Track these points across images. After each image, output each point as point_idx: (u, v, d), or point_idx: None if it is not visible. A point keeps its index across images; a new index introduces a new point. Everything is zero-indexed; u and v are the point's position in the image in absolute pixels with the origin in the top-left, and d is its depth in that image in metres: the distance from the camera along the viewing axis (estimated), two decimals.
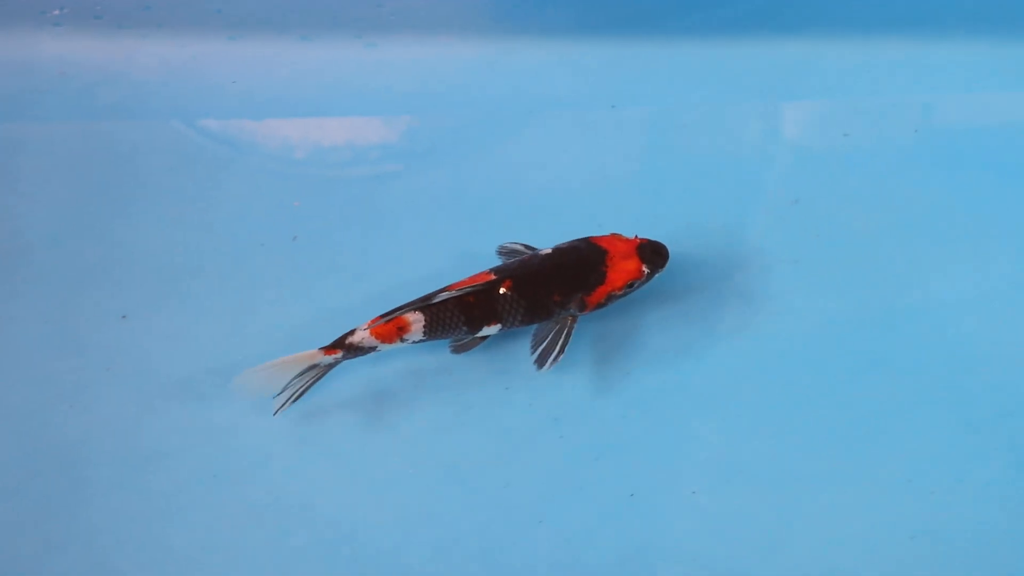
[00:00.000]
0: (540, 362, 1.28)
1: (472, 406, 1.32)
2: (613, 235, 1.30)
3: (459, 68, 1.53)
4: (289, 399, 1.27)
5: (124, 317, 1.37)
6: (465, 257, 1.40)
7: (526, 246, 1.35)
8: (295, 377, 1.26)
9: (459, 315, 1.27)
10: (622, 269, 1.27)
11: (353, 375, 1.34)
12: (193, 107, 1.54)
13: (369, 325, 1.27)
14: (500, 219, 1.44)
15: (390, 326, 1.26)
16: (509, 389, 1.33)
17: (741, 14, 1.52)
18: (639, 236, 1.31)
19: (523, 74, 1.52)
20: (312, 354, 1.25)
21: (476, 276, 1.29)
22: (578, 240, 1.31)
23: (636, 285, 1.29)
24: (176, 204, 1.46)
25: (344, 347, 1.27)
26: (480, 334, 1.30)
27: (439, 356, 1.35)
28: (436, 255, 1.42)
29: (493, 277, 1.27)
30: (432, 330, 1.27)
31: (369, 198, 1.46)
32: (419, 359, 1.34)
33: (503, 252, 1.36)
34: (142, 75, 1.56)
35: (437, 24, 1.53)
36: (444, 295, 1.25)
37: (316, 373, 1.28)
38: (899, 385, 1.32)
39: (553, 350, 1.28)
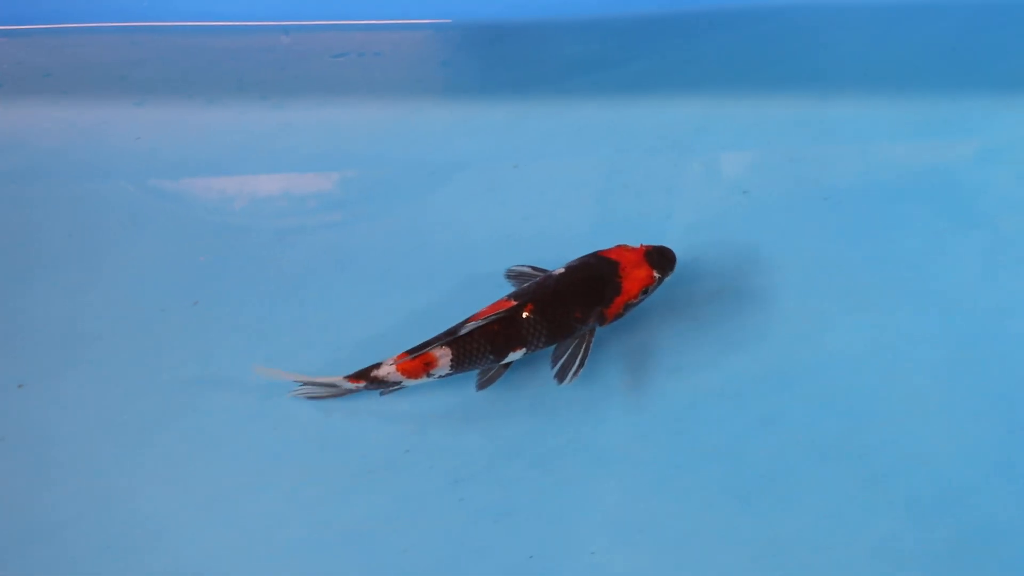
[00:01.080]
0: (560, 377, 1.32)
1: (372, 469, 1.32)
2: (620, 246, 1.34)
3: (364, 129, 1.55)
4: (304, 392, 1.34)
5: (21, 386, 1.36)
6: (368, 317, 1.41)
7: (533, 268, 1.38)
8: (318, 390, 1.33)
9: (485, 344, 1.29)
10: (635, 278, 1.32)
11: (254, 439, 1.36)
12: (96, 172, 1.55)
13: (396, 360, 1.29)
14: (404, 278, 1.46)
15: (417, 362, 1.29)
16: (409, 452, 1.33)
17: (639, 73, 1.54)
18: (643, 244, 1.34)
19: (427, 135, 1.54)
20: (336, 380, 1.32)
21: (495, 304, 1.31)
22: (588, 256, 1.34)
23: (650, 291, 1.34)
24: (76, 270, 1.47)
25: (368, 379, 1.31)
26: (505, 361, 1.32)
27: (340, 421, 1.35)
28: (339, 315, 1.42)
29: (513, 303, 1.29)
30: (459, 363, 1.30)
31: (272, 258, 1.47)
32: (322, 424, 1.33)
33: (512, 276, 1.39)
34: (44, 141, 1.57)
35: (341, 86, 1.55)
36: (470, 326, 1.27)
37: (337, 392, 1.33)
38: (796, 441, 1.33)
39: (573, 364, 1.32)
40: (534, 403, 1.37)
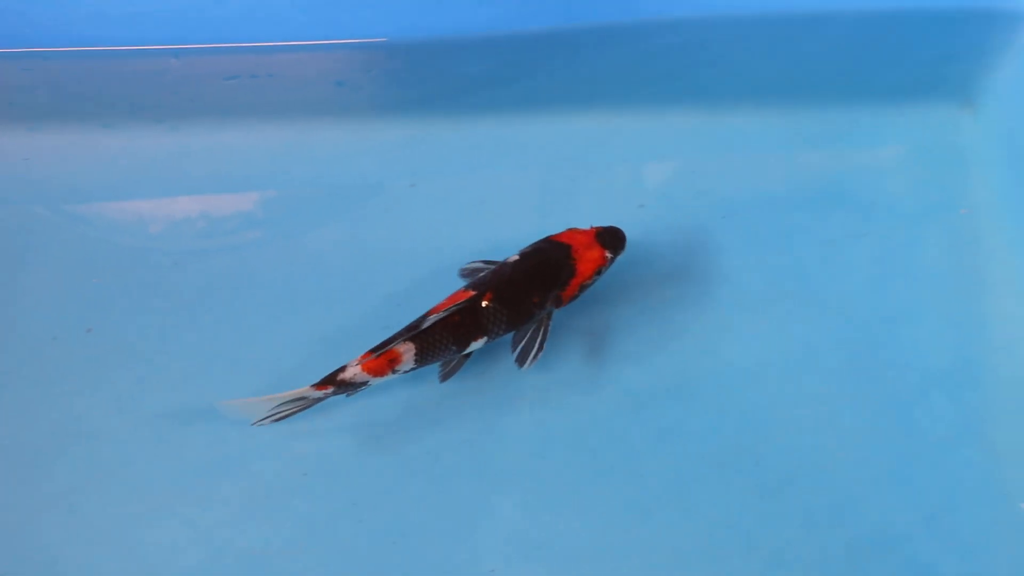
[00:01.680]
0: (521, 361, 1.35)
1: (270, 493, 1.32)
2: (570, 229, 1.37)
3: (260, 151, 1.54)
4: (271, 417, 1.32)
5: None
6: (267, 341, 1.42)
7: (485, 262, 1.40)
8: (282, 404, 1.31)
9: (447, 336, 1.31)
10: (588, 259, 1.35)
11: (151, 466, 1.37)
12: None
13: (360, 360, 1.30)
14: (303, 301, 1.46)
15: (381, 360, 1.30)
16: (307, 475, 1.33)
17: (534, 90, 1.56)
18: (593, 225, 1.37)
19: (323, 155, 1.54)
20: (303, 391, 1.30)
21: (453, 296, 1.33)
22: (540, 242, 1.37)
23: (603, 271, 1.36)
24: None
25: (335, 383, 1.31)
26: (467, 351, 1.34)
27: (237, 446, 1.36)
28: (237, 339, 1.42)
29: (472, 293, 1.31)
30: (423, 357, 1.32)
31: (168, 283, 1.46)
32: (220, 449, 1.33)
33: (466, 273, 1.40)
34: None
35: (235, 108, 1.55)
36: (431, 319, 1.28)
37: (304, 404, 1.32)
38: (695, 452, 1.36)
39: (532, 348, 1.34)
40: (432, 422, 1.38)
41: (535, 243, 1.38)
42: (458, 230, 1.50)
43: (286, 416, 1.32)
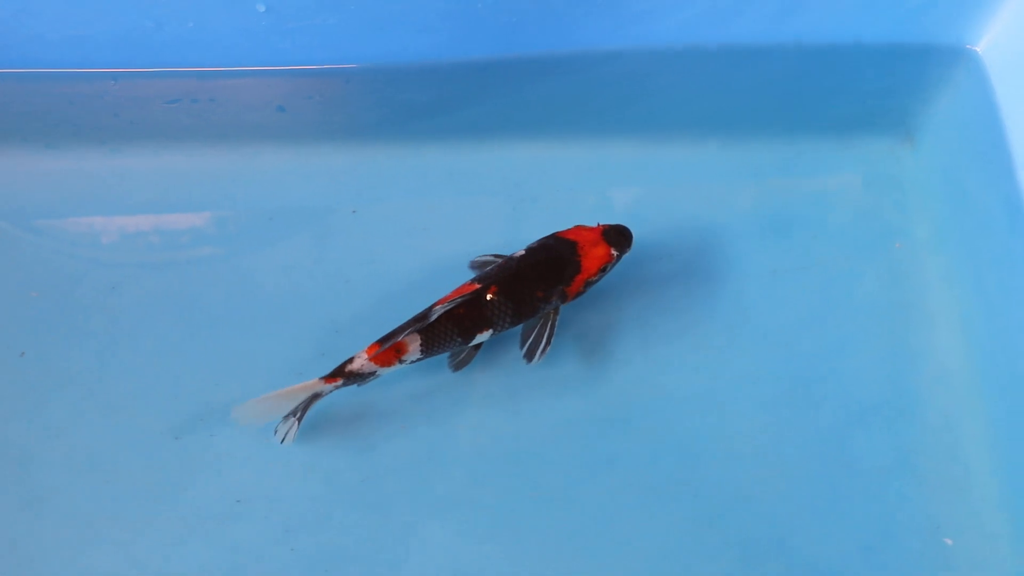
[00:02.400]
0: (528, 356, 1.38)
1: (203, 520, 1.33)
2: (577, 226, 1.39)
3: (201, 175, 1.55)
4: (292, 428, 1.34)
5: None
6: (204, 365, 1.42)
7: (496, 256, 1.41)
8: (297, 405, 1.32)
9: (452, 328, 1.34)
10: (594, 256, 1.38)
11: (83, 494, 1.37)
12: None
13: (368, 351, 1.33)
14: (241, 325, 1.46)
15: (388, 351, 1.33)
16: (241, 501, 1.33)
17: (477, 117, 1.57)
18: (600, 223, 1.39)
19: (264, 180, 1.55)
20: (313, 384, 1.32)
21: (460, 288, 1.36)
22: (546, 238, 1.40)
23: (608, 268, 1.39)
24: None
25: (344, 375, 1.34)
26: (473, 343, 1.36)
27: (172, 473, 1.37)
28: (175, 363, 1.43)
29: (477, 287, 1.34)
30: (429, 347, 1.35)
31: (105, 307, 1.46)
32: (153, 477, 1.33)
33: (475, 265, 1.43)
34: None
35: (177, 132, 1.55)
36: (437, 311, 1.31)
37: (316, 399, 1.34)
38: (633, 482, 1.37)
39: (540, 343, 1.37)
40: (367, 449, 1.39)
41: (542, 239, 1.41)
42: (400, 256, 1.51)
43: (301, 417, 1.34)
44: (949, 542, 1.32)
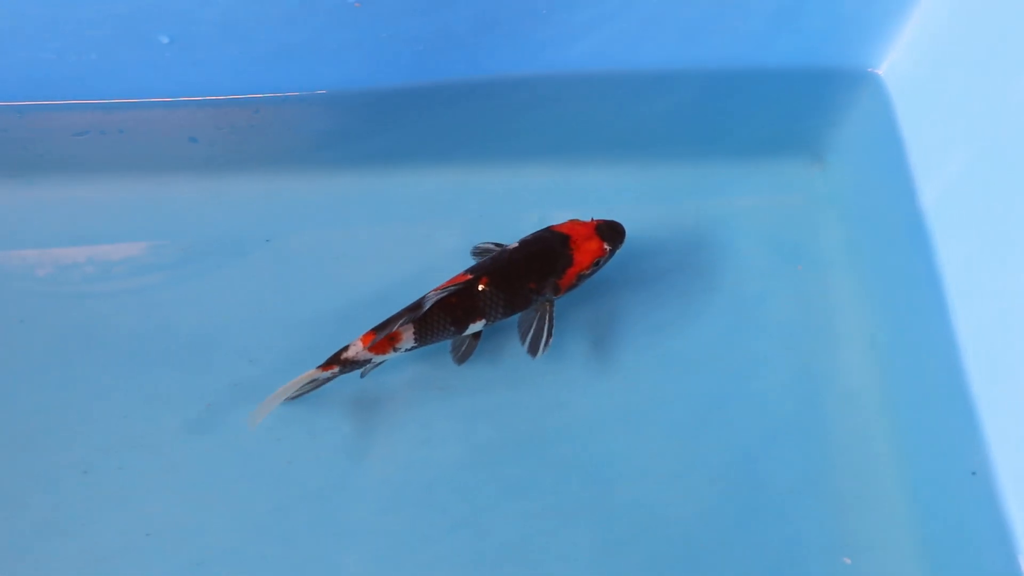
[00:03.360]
0: (532, 350, 1.40)
1: (111, 555, 1.36)
2: (572, 220, 1.42)
3: (113, 207, 1.56)
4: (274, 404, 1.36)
5: None
6: (114, 399, 1.44)
7: (496, 244, 1.45)
8: (294, 394, 1.38)
9: (445, 317, 1.38)
10: (586, 250, 1.40)
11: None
12: None
13: (362, 339, 1.36)
14: (152, 358, 1.47)
15: (383, 340, 1.36)
16: (151, 535, 1.35)
17: (390, 144, 1.59)
18: (595, 218, 1.42)
19: (177, 211, 1.56)
20: (309, 373, 1.37)
21: (454, 278, 1.39)
22: (541, 231, 1.42)
23: (601, 263, 1.42)
24: None
25: (339, 363, 1.37)
26: (467, 333, 1.40)
27: (78, 506, 1.38)
28: (84, 398, 1.45)
29: (469, 277, 1.37)
30: (422, 336, 1.38)
31: (12, 342, 1.47)
32: (56, 511, 1.34)
33: (477, 252, 1.47)
34: None
35: (87, 164, 1.56)
36: (430, 298, 1.35)
37: (315, 384, 1.40)
38: (543, 508, 1.39)
39: (542, 336, 1.39)
40: (280, 477, 1.41)
41: (536, 232, 1.43)
42: (314, 285, 1.53)
43: (297, 397, 1.40)
44: (848, 561, 1.33)
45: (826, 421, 1.45)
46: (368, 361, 1.38)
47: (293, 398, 1.40)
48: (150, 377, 1.46)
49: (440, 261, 1.53)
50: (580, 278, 1.41)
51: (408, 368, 1.46)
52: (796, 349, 1.50)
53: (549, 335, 1.40)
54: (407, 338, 1.37)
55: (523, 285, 1.39)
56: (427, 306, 1.35)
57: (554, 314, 1.42)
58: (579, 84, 1.60)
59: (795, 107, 1.65)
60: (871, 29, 1.55)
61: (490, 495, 1.41)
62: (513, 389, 1.46)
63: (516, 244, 1.43)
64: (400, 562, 1.37)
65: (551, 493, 1.41)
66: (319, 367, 1.37)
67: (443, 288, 1.36)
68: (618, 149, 1.62)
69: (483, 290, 1.38)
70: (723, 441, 1.44)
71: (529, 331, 1.41)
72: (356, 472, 1.42)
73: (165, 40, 1.50)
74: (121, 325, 1.49)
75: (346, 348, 1.37)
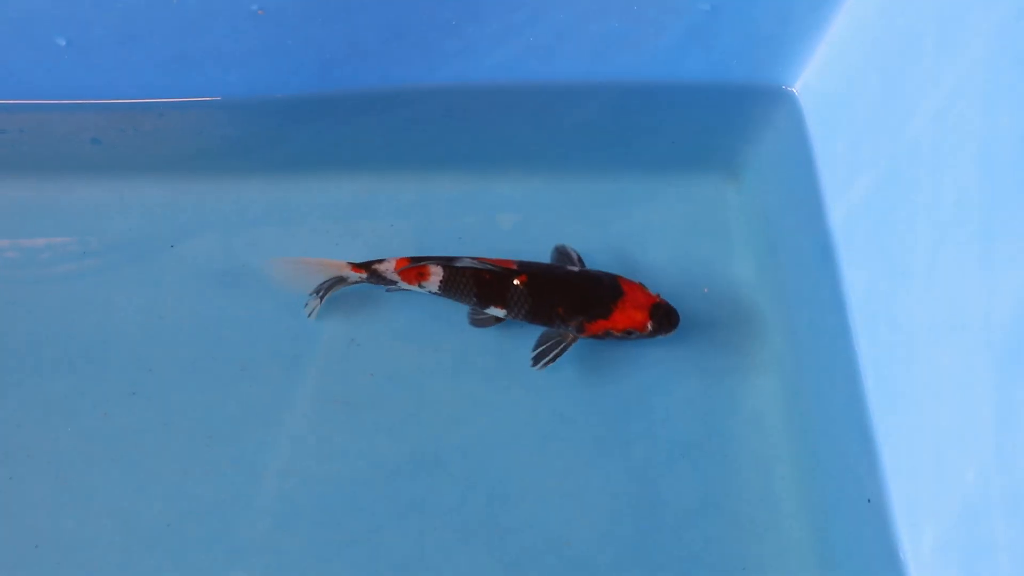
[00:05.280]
0: (535, 361, 1.43)
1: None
2: (638, 284, 1.43)
3: (10, 209, 1.56)
4: (316, 306, 1.49)
5: None
6: (7, 405, 1.46)
7: (577, 254, 1.49)
8: (321, 283, 1.47)
9: (472, 286, 1.43)
10: (628, 315, 1.41)
11: None
12: None
13: (397, 262, 1.45)
14: (48, 363, 1.47)
15: (412, 269, 1.44)
16: (39, 547, 1.35)
17: (298, 152, 1.60)
18: (660, 296, 1.42)
19: (77, 214, 1.56)
20: (341, 265, 1.46)
21: (503, 261, 1.43)
22: (605, 273, 1.44)
23: (635, 335, 1.41)
24: None
25: (369, 271, 1.47)
26: (488, 312, 1.45)
27: None
28: None
29: (514, 267, 1.41)
30: (446, 288, 1.45)
31: None
32: None
33: (556, 251, 1.51)
34: None
35: None
36: (467, 261, 1.40)
37: (342, 283, 1.47)
38: (441, 525, 1.41)
39: (546, 357, 1.42)
40: (172, 490, 1.42)
41: (600, 271, 1.46)
42: (217, 293, 1.53)
43: (324, 297, 1.48)
44: None
45: (729, 443, 1.46)
46: (394, 283, 1.46)
47: (321, 296, 1.49)
48: (46, 384, 1.46)
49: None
50: (606, 334, 1.43)
51: (310, 381, 1.46)
52: (703, 370, 1.51)
53: (552, 360, 1.43)
54: (433, 281, 1.44)
55: (553, 305, 1.42)
56: (457, 266, 1.40)
57: (570, 348, 1.44)
58: (490, 96, 1.61)
59: (711, 123, 1.66)
60: (785, 46, 1.57)
61: (387, 512, 1.42)
62: (414, 405, 1.47)
63: (576, 268, 1.46)
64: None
65: (449, 510, 1.42)
66: (351, 264, 1.45)
67: (484, 261, 1.41)
68: (531, 161, 1.63)
69: (516, 286, 1.41)
70: (623, 461, 1.46)
71: (542, 346, 1.44)
72: (251, 487, 1.42)
73: (62, 43, 1.49)
74: (17, 330, 1.49)
75: (381, 261, 1.46)
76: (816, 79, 1.59)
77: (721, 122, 1.67)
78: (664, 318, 1.41)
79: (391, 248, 1.54)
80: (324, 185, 1.62)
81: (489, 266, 1.41)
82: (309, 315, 1.49)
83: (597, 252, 1.58)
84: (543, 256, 1.52)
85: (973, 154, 1.19)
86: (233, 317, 1.51)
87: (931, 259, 1.26)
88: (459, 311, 1.52)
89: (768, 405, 1.48)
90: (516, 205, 1.62)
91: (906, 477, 1.31)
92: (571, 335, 1.43)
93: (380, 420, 1.48)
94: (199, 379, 1.46)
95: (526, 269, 1.43)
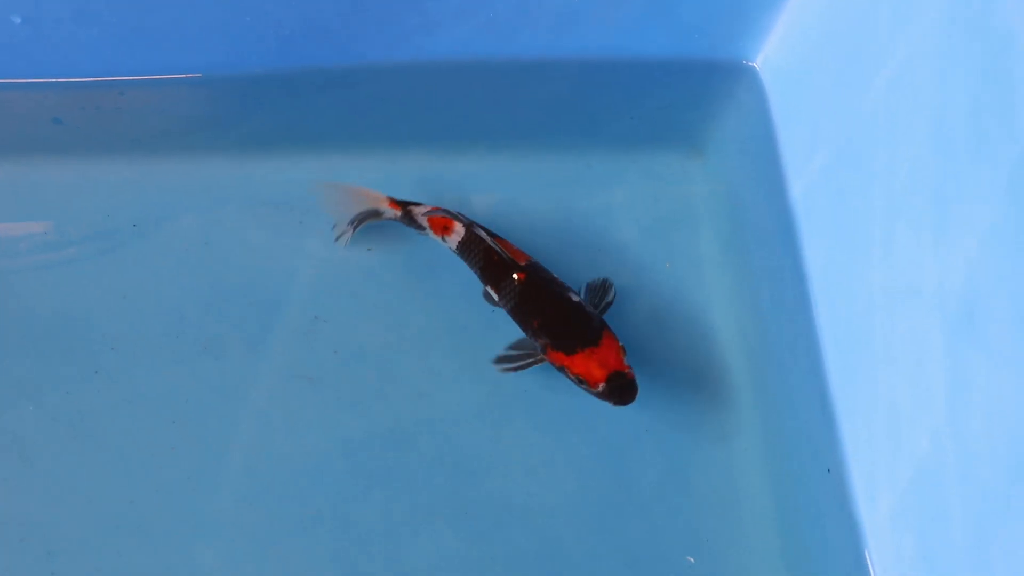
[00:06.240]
0: (499, 361, 1.43)
1: None
2: (620, 346, 1.38)
3: None
4: (347, 233, 1.54)
5: None
6: None
7: (604, 282, 1.49)
8: (359, 213, 1.52)
9: (481, 260, 1.46)
10: (587, 365, 1.36)
11: None
12: None
13: (431, 207, 1.49)
14: (11, 343, 1.51)
15: (441, 219, 1.48)
16: (2, 524, 1.34)
17: (259, 130, 1.61)
18: (631, 369, 1.37)
19: (41, 195, 1.57)
20: (381, 198, 1.52)
21: (520, 253, 1.47)
22: (600, 318, 1.42)
23: (585, 387, 1.37)
24: None
25: (404, 210, 1.51)
26: (487, 289, 1.46)
27: None
28: None
29: (523, 264, 1.44)
30: (462, 250, 1.48)
31: None
32: None
33: (591, 284, 1.49)
34: None
35: None
36: (486, 236, 1.44)
37: (376, 217, 1.53)
38: (406, 501, 1.43)
39: (512, 362, 1.43)
40: (135, 467, 1.43)
41: (599, 312, 1.45)
42: (181, 271, 1.55)
43: (356, 227, 1.54)
44: (691, 560, 1.37)
45: (693, 417, 1.48)
46: (422, 228, 1.50)
47: (355, 226, 1.54)
48: (8, 362, 1.48)
49: (311, 249, 1.55)
50: (560, 369, 1.39)
51: (275, 358, 1.47)
52: (667, 345, 1.53)
53: (516, 369, 1.43)
54: (454, 238, 1.48)
55: (532, 315, 1.42)
56: (476, 232, 1.44)
57: (535, 365, 1.43)
58: (451, 73, 1.63)
59: (673, 99, 1.68)
60: (746, 20, 1.59)
61: (353, 488, 1.44)
62: (379, 381, 1.48)
63: (577, 296, 1.45)
64: (259, 555, 1.39)
65: (414, 486, 1.44)
66: (389, 198, 1.51)
67: (498, 242, 1.44)
68: (494, 138, 1.65)
69: (513, 279, 1.44)
70: (586, 436, 1.48)
71: (513, 351, 1.44)
72: (216, 463, 1.44)
73: (17, 20, 1.50)
74: None
75: (418, 204, 1.50)
76: (777, 53, 1.61)
77: (684, 98, 1.69)
78: (618, 389, 1.36)
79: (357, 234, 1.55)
80: (287, 163, 1.63)
81: (500, 249, 1.43)
82: (337, 240, 1.54)
83: (562, 230, 1.60)
84: (518, 233, 1.54)
85: (927, 123, 1.21)
86: (197, 294, 1.53)
87: (887, 229, 1.28)
88: (425, 288, 1.52)
89: (731, 379, 1.51)
90: (481, 183, 1.64)
91: (864, 446, 1.33)
92: (539, 355, 1.43)
93: (345, 396, 1.49)
94: (163, 357, 1.47)
95: (530, 271, 1.44)
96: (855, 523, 1.33)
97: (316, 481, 1.44)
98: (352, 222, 1.53)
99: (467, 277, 1.53)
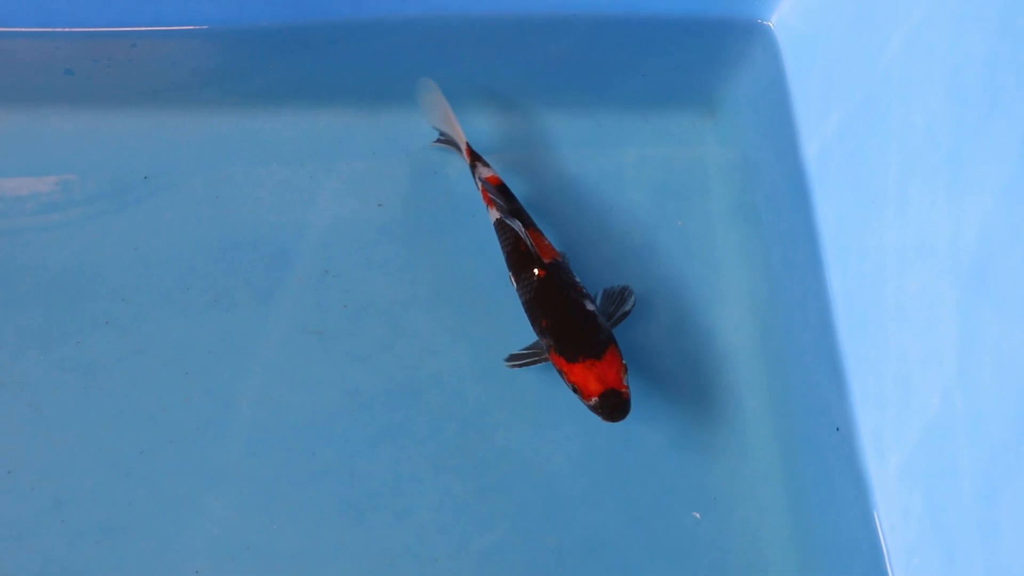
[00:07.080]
0: (510, 358, 1.43)
1: None
2: (623, 364, 1.36)
3: None
4: (434, 144, 1.60)
5: None
6: None
7: (623, 289, 1.49)
8: (444, 134, 1.58)
9: (508, 244, 1.47)
10: (584, 377, 1.35)
11: None
12: None
13: (491, 176, 1.53)
14: (23, 293, 1.52)
15: (486, 192, 1.50)
16: (12, 472, 1.36)
17: (272, 84, 1.61)
18: (628, 389, 1.35)
19: (53, 145, 1.57)
20: (462, 137, 1.56)
21: (549, 248, 1.47)
22: (609, 332, 1.40)
23: (578, 396, 1.36)
24: None
25: (476, 157, 1.56)
26: (509, 272, 1.46)
27: None
28: None
29: (548, 261, 1.44)
30: (497, 229, 1.50)
31: None
32: None
33: (609, 291, 1.49)
34: None
35: None
36: (516, 224, 1.43)
37: (452, 147, 1.58)
38: (414, 455, 1.43)
39: (521, 359, 1.43)
40: (145, 420, 1.44)
41: (611, 326, 1.44)
42: (190, 225, 1.56)
43: (439, 143, 1.61)
44: (697, 516, 1.38)
45: (702, 376, 1.49)
46: (478, 181, 1.53)
47: (439, 141, 1.61)
48: (18, 313, 1.48)
49: (321, 205, 1.56)
50: (559, 372, 1.39)
51: (284, 311, 1.48)
52: (677, 303, 1.54)
53: (523, 366, 1.43)
54: (493, 215, 1.50)
55: (543, 315, 1.42)
56: (508, 220, 1.45)
57: (542, 363, 1.44)
58: (463, 28, 1.64)
59: (687, 58, 1.68)
60: None
61: (361, 441, 1.44)
62: (388, 336, 1.49)
63: (592, 305, 1.44)
64: (267, 506, 1.40)
65: (422, 441, 1.45)
66: (468, 146, 1.56)
67: (531, 233, 1.45)
68: (508, 97, 1.65)
69: (533, 273, 1.43)
70: None
71: (523, 348, 1.45)
72: (225, 415, 1.45)
73: None
74: None
75: (487, 165, 1.54)
76: (792, 12, 1.61)
77: (698, 57, 1.69)
78: (609, 407, 1.34)
79: (366, 184, 1.56)
80: (299, 118, 1.63)
81: (529, 241, 1.42)
82: (431, 144, 1.61)
83: (574, 189, 1.60)
84: (529, 193, 1.56)
85: (942, 81, 1.22)
86: (207, 247, 1.53)
87: (901, 187, 1.29)
88: (435, 244, 1.53)
89: (741, 338, 1.51)
90: (492, 140, 1.64)
91: (873, 404, 1.34)
92: (545, 352, 1.43)
93: (354, 350, 1.49)
94: (172, 309, 1.48)
95: (552, 270, 1.43)
96: (863, 481, 1.34)
97: (324, 434, 1.44)
98: (438, 139, 1.60)
99: (478, 235, 1.53)
